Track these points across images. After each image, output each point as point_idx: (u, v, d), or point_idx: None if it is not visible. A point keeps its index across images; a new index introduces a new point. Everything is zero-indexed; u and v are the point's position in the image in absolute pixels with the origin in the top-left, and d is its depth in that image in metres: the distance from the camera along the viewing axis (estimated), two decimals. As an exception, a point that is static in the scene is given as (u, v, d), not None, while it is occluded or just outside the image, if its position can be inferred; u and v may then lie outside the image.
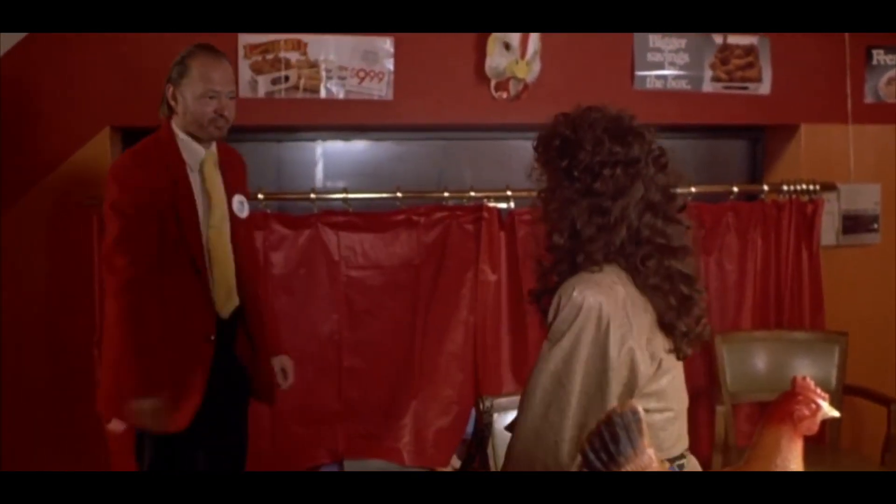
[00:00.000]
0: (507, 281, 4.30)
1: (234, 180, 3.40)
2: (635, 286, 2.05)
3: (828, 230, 4.64)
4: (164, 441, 3.26)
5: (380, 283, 4.25)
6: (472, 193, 4.29)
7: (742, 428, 4.42)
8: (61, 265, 4.01)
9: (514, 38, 4.10)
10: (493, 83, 4.23)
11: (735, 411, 4.39)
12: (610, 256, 2.06)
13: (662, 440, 2.05)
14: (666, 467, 1.92)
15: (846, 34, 4.58)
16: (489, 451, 3.03)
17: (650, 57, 4.43)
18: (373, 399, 4.25)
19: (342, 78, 4.16)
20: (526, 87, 4.21)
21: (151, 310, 3.15)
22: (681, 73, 4.46)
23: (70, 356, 3.98)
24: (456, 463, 4.28)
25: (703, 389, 4.38)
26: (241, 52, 4.03)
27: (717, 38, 4.49)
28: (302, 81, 4.13)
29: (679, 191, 2.15)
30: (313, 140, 4.58)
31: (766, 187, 4.62)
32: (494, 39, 4.14)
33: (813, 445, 2.20)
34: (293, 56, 4.11)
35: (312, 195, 4.22)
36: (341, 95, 4.17)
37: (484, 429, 3.11)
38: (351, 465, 4.25)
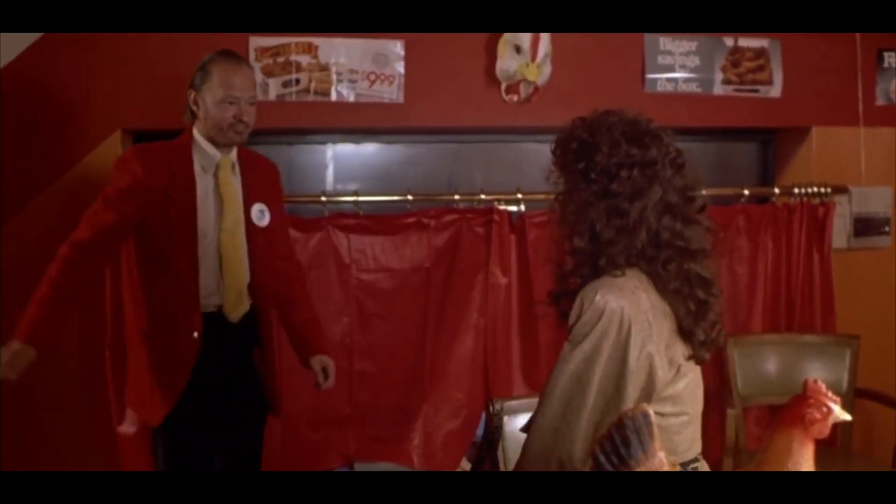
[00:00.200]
0: (517, 284, 4.30)
1: (258, 188, 3.42)
2: (656, 290, 2.06)
3: (839, 233, 4.63)
4: (176, 442, 3.28)
5: (390, 286, 4.25)
6: (483, 196, 4.29)
7: (753, 431, 4.41)
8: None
9: (525, 40, 4.10)
10: (503, 86, 4.23)
11: (746, 414, 4.38)
12: (632, 260, 2.06)
13: (677, 444, 2.06)
14: (677, 470, 1.92)
15: (857, 36, 4.57)
16: (499, 453, 3.04)
17: (661, 60, 4.42)
18: (383, 402, 4.25)
19: (353, 81, 4.17)
20: (536, 89, 4.22)
21: (84, 274, 3.25)
22: (691, 75, 4.45)
23: (81, 358, 3.99)
24: (466, 466, 4.29)
25: (714, 392, 4.37)
26: (251, 55, 4.04)
27: (728, 41, 4.49)
28: (312, 84, 4.14)
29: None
30: (324, 143, 4.59)
31: (777, 190, 4.62)
32: (505, 42, 4.14)
33: (824, 449, 2.20)
34: (304, 59, 4.12)
35: (323, 198, 4.23)
36: (352, 98, 4.18)
37: (494, 431, 3.11)
38: (361, 469, 4.26)
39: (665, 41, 4.42)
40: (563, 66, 4.25)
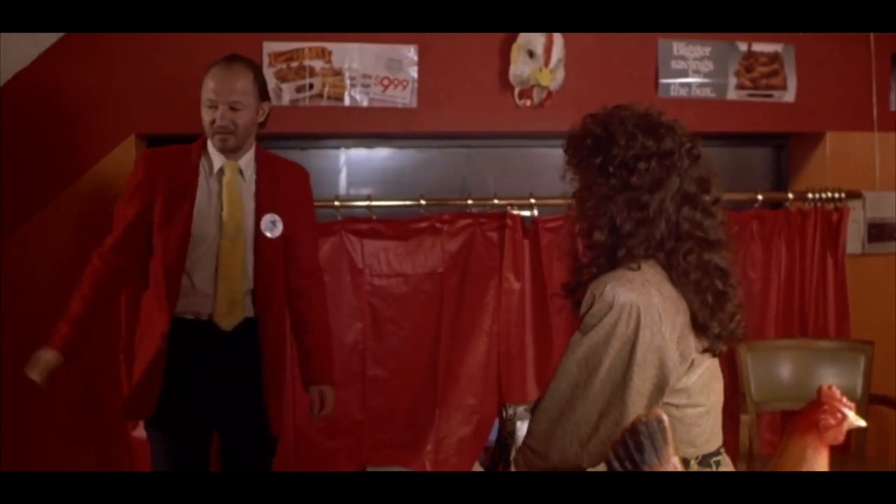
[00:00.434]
0: (530, 289, 4.29)
1: (275, 196, 3.35)
2: (672, 283, 2.05)
3: (853, 238, 4.61)
4: (171, 445, 3.33)
5: (403, 292, 4.25)
6: (496, 201, 4.29)
7: (766, 437, 4.40)
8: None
9: (539, 45, 4.10)
10: (516, 91, 4.23)
11: (759, 420, 4.37)
12: (650, 252, 2.06)
13: (695, 436, 2.06)
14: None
15: (871, 41, 4.56)
16: (512, 458, 3.03)
17: (674, 65, 4.42)
18: (396, 407, 4.25)
19: (366, 86, 4.17)
20: (550, 94, 4.21)
21: (113, 284, 3.39)
22: (705, 80, 4.45)
23: (96, 362, 4.00)
24: (478, 470, 4.28)
25: (728, 398, 4.33)
26: (265, 61, 4.05)
27: (742, 46, 4.48)
28: (326, 89, 4.15)
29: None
30: (337, 148, 4.60)
31: (790, 195, 4.60)
32: (518, 47, 4.14)
33: (838, 455, 2.19)
34: (317, 64, 4.13)
35: (336, 202, 4.23)
36: (365, 103, 4.19)
37: (507, 436, 3.11)
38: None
39: (678, 46, 4.41)
40: (577, 71, 4.25)
